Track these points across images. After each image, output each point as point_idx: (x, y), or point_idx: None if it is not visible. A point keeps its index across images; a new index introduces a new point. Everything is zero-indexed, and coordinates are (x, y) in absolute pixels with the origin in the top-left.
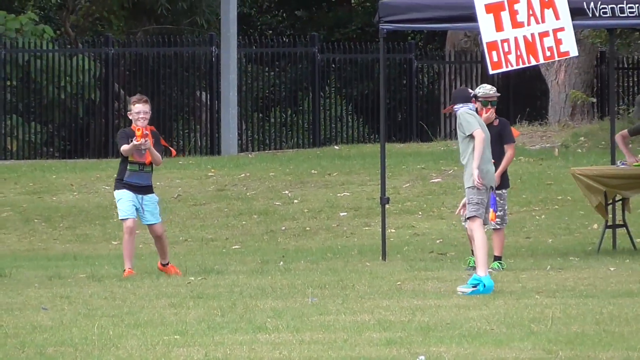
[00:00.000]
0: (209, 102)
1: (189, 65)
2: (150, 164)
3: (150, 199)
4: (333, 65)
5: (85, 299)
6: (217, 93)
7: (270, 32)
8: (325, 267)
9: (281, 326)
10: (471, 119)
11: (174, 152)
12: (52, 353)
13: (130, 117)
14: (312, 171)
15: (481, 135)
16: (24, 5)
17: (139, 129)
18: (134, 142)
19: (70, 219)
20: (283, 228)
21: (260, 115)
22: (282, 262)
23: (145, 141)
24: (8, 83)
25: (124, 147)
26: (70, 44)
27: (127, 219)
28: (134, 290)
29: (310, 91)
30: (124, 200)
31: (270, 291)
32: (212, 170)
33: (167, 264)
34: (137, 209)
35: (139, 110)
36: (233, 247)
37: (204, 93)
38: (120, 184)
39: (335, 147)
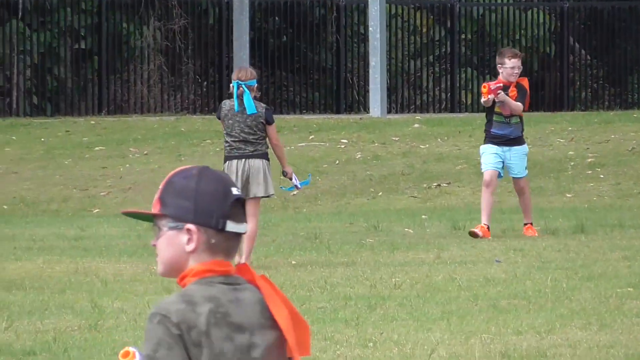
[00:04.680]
0: None
1: None
2: (517, 115)
3: (518, 151)
4: None
5: (539, 251)
6: None
7: None
8: None
9: None
10: None
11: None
12: (505, 305)
13: (500, 70)
14: None
15: None
16: None
17: (484, 85)
18: (482, 99)
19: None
20: None
21: None
22: None
23: (498, 94)
24: (463, 36)
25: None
26: None
27: (486, 170)
28: (588, 243)
29: None
30: (487, 153)
31: None
32: None
33: (527, 224)
34: (503, 162)
35: (514, 66)
36: None
37: None
38: (487, 136)
39: None
